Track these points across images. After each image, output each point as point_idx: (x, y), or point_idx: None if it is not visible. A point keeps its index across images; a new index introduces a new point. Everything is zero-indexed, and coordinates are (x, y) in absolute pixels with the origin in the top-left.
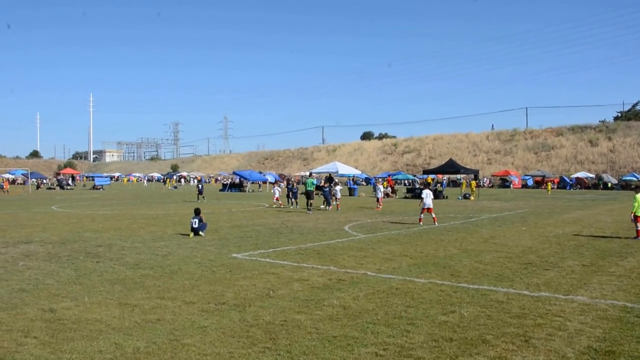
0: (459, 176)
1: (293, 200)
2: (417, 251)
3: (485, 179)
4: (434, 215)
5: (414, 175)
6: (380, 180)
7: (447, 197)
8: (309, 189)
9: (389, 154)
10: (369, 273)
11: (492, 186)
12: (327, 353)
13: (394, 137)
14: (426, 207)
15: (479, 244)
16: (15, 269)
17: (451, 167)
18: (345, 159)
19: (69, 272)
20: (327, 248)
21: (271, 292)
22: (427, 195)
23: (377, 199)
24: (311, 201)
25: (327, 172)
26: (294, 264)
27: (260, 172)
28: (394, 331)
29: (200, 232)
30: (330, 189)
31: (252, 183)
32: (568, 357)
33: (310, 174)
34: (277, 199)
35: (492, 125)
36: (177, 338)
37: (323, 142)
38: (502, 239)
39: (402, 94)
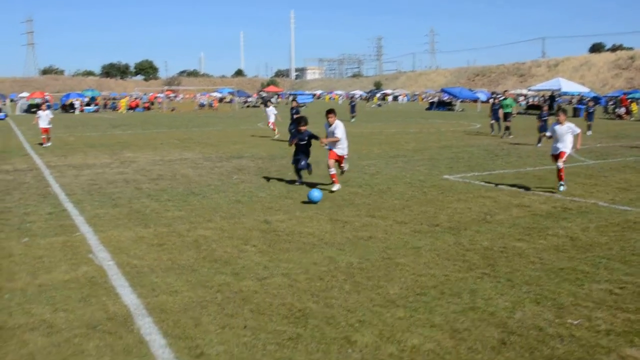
0: None
1: (495, 123)
2: None
3: None
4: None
5: None
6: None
7: None
8: (507, 110)
9: (623, 69)
10: (600, 203)
11: None
12: (553, 285)
13: (631, 48)
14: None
15: None
16: (230, 182)
17: None
18: (570, 75)
19: (279, 186)
20: (549, 173)
21: (488, 216)
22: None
23: None
24: (507, 124)
25: (549, 90)
26: (513, 188)
27: (471, 90)
28: (632, 269)
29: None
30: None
31: (462, 102)
32: None
33: (505, 93)
34: (272, 125)
35: None
36: (390, 257)
37: (543, 56)
38: None
39: None
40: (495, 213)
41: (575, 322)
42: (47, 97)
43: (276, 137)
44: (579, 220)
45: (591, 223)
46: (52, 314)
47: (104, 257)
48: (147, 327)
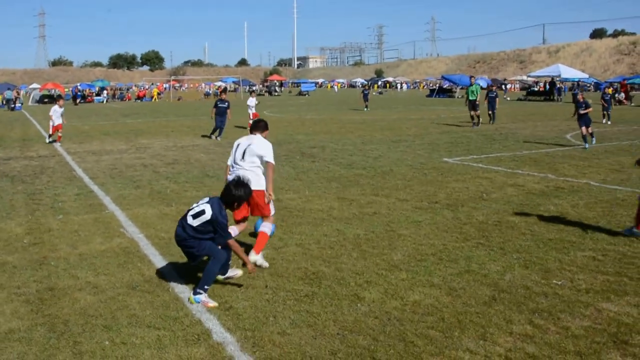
0: None
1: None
2: None
3: None
4: None
5: None
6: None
7: None
8: (472, 98)
9: (625, 54)
10: (591, 183)
11: None
12: (541, 253)
13: (634, 34)
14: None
15: None
16: None
17: None
18: (570, 62)
19: (288, 169)
20: (545, 156)
21: (484, 195)
22: None
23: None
24: (475, 113)
25: (549, 76)
26: (508, 170)
27: (471, 77)
28: (616, 239)
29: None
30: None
31: (462, 88)
32: None
33: (472, 78)
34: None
35: None
36: (393, 229)
37: (544, 42)
38: None
39: None
40: (491, 192)
41: (559, 283)
42: (79, 87)
43: None
44: (570, 198)
45: (581, 200)
46: (95, 277)
47: (134, 231)
48: (179, 287)
